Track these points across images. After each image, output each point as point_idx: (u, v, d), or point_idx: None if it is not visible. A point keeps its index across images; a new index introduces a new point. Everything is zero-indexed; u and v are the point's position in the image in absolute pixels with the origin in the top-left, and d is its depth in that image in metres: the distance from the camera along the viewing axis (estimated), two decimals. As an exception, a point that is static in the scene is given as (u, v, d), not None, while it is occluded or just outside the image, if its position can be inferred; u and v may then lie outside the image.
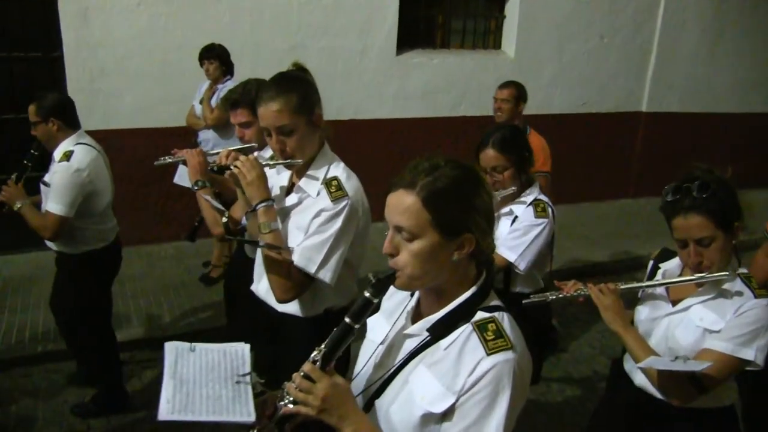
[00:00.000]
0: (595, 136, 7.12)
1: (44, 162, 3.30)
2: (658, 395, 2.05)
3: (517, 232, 2.75)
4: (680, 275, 2.08)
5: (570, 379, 4.11)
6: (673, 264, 2.14)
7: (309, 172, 2.18)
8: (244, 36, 5.48)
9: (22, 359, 3.97)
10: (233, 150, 2.26)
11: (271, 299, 2.22)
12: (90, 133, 3.37)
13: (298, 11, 5.61)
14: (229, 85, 4.59)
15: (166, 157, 2.76)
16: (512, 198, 2.81)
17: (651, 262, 2.30)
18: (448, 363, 1.30)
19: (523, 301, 2.30)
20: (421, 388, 1.33)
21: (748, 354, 1.86)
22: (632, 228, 6.60)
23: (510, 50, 6.62)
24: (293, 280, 2.10)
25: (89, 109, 4.91)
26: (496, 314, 1.34)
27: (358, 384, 1.50)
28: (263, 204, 2.11)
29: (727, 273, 1.92)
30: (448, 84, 6.35)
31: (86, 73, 5.11)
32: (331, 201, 2.08)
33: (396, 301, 1.54)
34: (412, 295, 1.49)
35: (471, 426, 1.26)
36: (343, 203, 2.08)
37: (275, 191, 2.27)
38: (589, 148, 7.06)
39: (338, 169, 2.17)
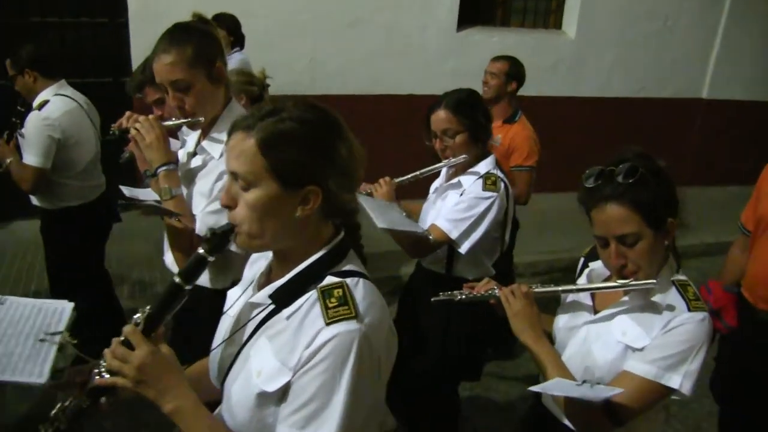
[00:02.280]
0: (652, 122, 7.00)
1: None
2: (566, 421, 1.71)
3: (461, 205, 2.43)
4: (609, 278, 1.72)
5: (518, 378, 3.78)
6: (601, 264, 1.75)
7: (212, 134, 2.01)
8: (303, 9, 5.54)
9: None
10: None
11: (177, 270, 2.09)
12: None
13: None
14: (237, 56, 4.49)
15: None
16: (464, 169, 2.53)
17: (582, 260, 1.96)
18: (288, 334, 1.15)
19: (432, 299, 1.97)
20: (257, 364, 1.18)
21: (674, 380, 1.52)
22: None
23: (571, 30, 6.53)
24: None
25: (152, 74, 5.07)
26: (348, 279, 1.17)
27: (212, 364, 1.35)
28: (164, 168, 1.94)
29: (654, 282, 1.57)
30: (507, 62, 6.31)
31: (149, 40, 5.19)
32: None
33: (256, 269, 1.39)
34: None
35: (307, 405, 1.10)
36: None
37: (182, 156, 2.12)
38: (645, 134, 6.95)
39: None
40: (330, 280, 1.18)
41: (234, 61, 4.33)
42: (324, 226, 1.23)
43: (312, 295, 1.16)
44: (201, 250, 1.17)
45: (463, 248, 2.42)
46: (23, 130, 3.11)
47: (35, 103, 3.16)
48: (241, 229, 1.17)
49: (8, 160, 3.11)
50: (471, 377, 2.94)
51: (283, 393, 1.14)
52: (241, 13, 5.33)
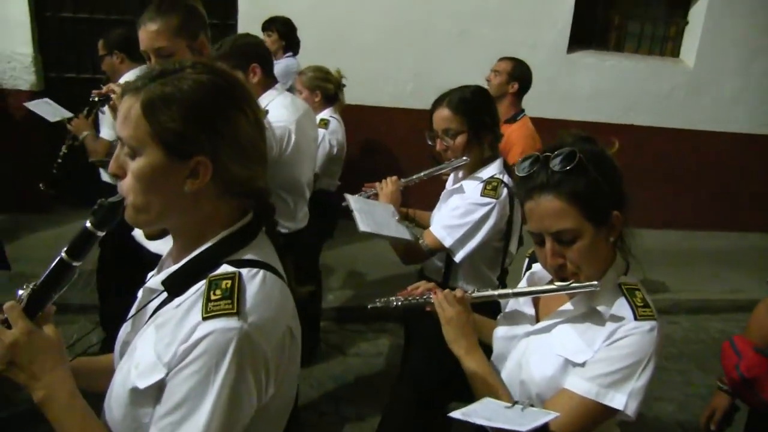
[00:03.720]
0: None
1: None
2: None
3: (457, 211, 2.26)
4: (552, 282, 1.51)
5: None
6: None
7: None
8: (413, 17, 5.44)
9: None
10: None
11: (146, 241, 2.04)
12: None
13: (473, -3, 5.49)
14: (285, 61, 4.48)
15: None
16: (469, 172, 2.35)
17: (526, 260, 1.79)
18: (171, 326, 1.02)
19: (368, 306, 1.83)
20: (138, 356, 1.05)
21: (617, 400, 1.34)
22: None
23: (689, 59, 6.12)
24: None
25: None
26: (245, 270, 1.03)
27: (115, 352, 1.23)
28: None
29: (595, 284, 1.37)
30: (619, 89, 5.98)
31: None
32: None
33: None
34: None
35: (178, 409, 0.97)
36: None
37: None
38: (766, 172, 6.41)
39: None
40: (224, 269, 1.04)
41: (281, 65, 4.30)
42: (224, 206, 1.10)
43: (203, 284, 1.03)
44: (88, 224, 1.06)
45: (458, 257, 2.26)
46: (104, 108, 3.25)
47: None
48: (127, 201, 1.06)
49: (85, 134, 3.29)
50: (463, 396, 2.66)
51: (158, 392, 1.00)
52: (346, 24, 5.33)
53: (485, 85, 3.37)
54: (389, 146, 5.64)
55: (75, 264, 1.07)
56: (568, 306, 1.46)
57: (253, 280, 1.03)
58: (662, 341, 1.38)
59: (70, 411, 1.06)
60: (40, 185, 3.46)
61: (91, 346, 2.90)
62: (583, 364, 1.38)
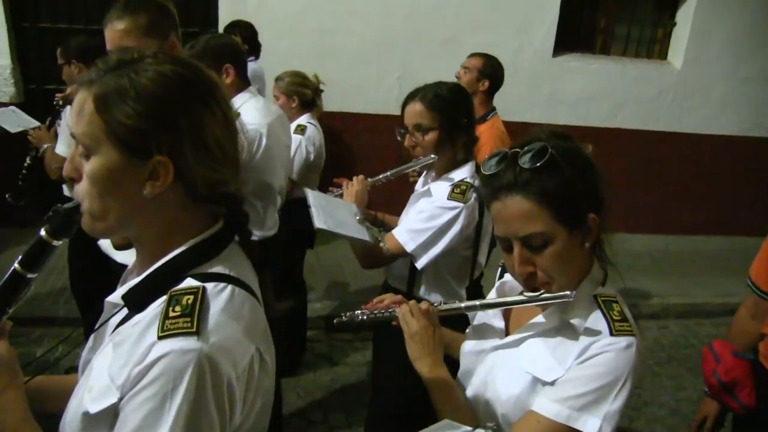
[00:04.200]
0: (766, 162, 6.43)
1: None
2: None
3: (421, 215, 2.14)
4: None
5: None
6: None
7: None
8: (396, 24, 5.41)
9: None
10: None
11: (113, 251, 1.97)
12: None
13: (455, 3, 5.46)
14: (250, 65, 4.39)
15: None
16: (439, 174, 2.23)
17: (499, 269, 1.66)
18: (127, 345, 0.92)
19: (335, 320, 1.72)
20: (93, 378, 0.95)
21: (590, 425, 1.20)
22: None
23: (677, 61, 6.09)
24: None
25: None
26: (210, 284, 0.94)
27: (79, 370, 1.13)
28: None
29: (568, 294, 1.24)
30: (605, 92, 5.95)
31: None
32: None
33: None
34: None
35: None
36: None
37: None
38: (758, 175, 6.38)
39: None
40: (188, 283, 0.95)
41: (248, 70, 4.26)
42: (190, 213, 1.00)
43: (164, 300, 0.93)
44: (42, 233, 0.97)
45: (420, 263, 2.14)
46: (61, 119, 3.21)
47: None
48: (83, 207, 0.96)
49: (45, 146, 3.20)
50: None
51: (112, 418, 0.90)
52: (333, 29, 5.29)
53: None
54: (373, 153, 5.59)
55: (30, 276, 0.98)
56: (539, 318, 1.34)
57: (219, 296, 0.93)
58: (642, 359, 1.25)
59: None
60: (6, 196, 3.39)
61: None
62: (552, 383, 1.25)
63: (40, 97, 5.06)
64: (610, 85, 5.96)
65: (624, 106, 6.04)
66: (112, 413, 0.90)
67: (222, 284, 0.95)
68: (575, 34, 5.97)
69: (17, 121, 3.53)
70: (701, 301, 4.97)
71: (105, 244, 2.09)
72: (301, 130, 3.42)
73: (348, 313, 1.68)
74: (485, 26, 5.53)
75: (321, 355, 3.95)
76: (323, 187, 2.67)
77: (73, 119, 0.94)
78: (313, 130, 3.51)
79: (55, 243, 0.97)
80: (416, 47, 5.41)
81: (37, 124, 3.42)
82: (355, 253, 2.26)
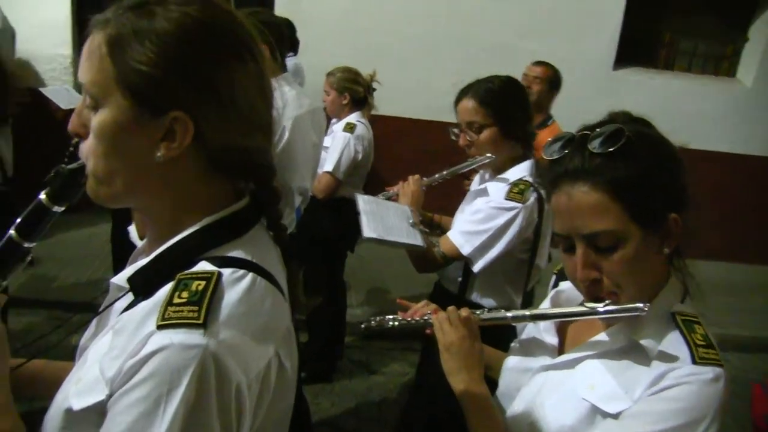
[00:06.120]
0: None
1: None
2: None
3: (477, 215, 2.03)
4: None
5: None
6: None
7: None
8: (453, 27, 5.31)
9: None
10: None
11: (138, 242, 1.86)
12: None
13: (508, 7, 5.34)
14: (290, 60, 4.25)
15: None
16: (495, 173, 2.13)
17: (553, 277, 1.45)
18: (126, 334, 0.77)
19: (362, 325, 1.56)
20: (84, 369, 0.82)
21: None
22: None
23: (747, 79, 5.82)
24: None
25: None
26: (227, 270, 0.79)
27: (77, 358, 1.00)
28: None
29: (641, 306, 1.04)
30: (668, 109, 5.65)
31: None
32: None
33: None
34: None
35: None
36: None
37: None
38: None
39: None
40: (201, 267, 0.80)
41: (289, 64, 4.20)
42: (210, 185, 0.85)
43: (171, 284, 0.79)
44: (42, 196, 0.85)
45: (477, 267, 2.03)
46: None
47: None
48: (88, 168, 0.83)
49: None
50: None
51: (99, 418, 0.75)
52: (386, 32, 5.20)
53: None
54: (422, 160, 5.48)
55: (27, 245, 0.87)
56: (602, 336, 1.13)
57: (236, 285, 0.78)
58: (726, 397, 1.03)
59: None
60: (52, 172, 3.38)
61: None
62: (616, 416, 1.05)
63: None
64: (672, 101, 5.71)
65: (687, 125, 5.73)
66: (97, 413, 0.76)
67: (241, 271, 0.80)
68: (637, 47, 5.77)
69: (70, 99, 3.54)
70: (765, 335, 4.66)
71: (133, 233, 2.00)
72: (350, 128, 3.33)
73: (378, 318, 1.51)
74: (544, 34, 5.39)
75: (357, 363, 3.84)
76: (369, 190, 2.56)
77: (82, 66, 0.81)
78: (363, 129, 3.41)
79: (56, 209, 0.86)
80: (470, 52, 5.30)
81: None
82: (409, 257, 2.17)
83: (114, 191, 0.83)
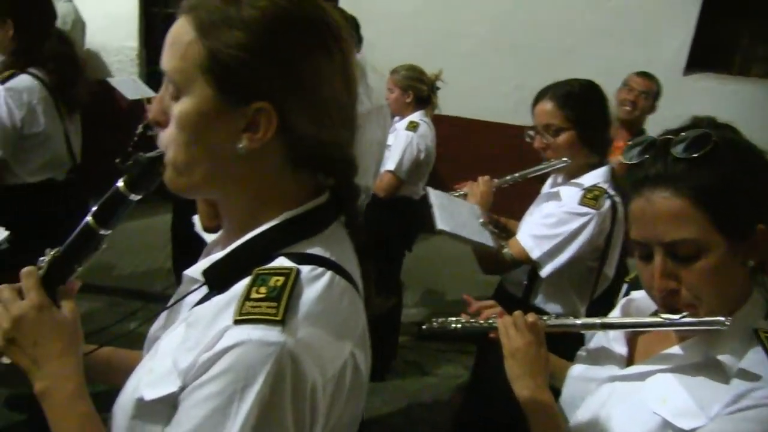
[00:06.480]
0: None
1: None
2: None
3: (549, 219, 2.01)
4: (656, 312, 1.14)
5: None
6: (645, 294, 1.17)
7: None
8: (518, 28, 5.23)
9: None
10: None
11: (204, 234, 1.83)
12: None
13: (575, 10, 5.22)
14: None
15: None
16: (569, 177, 2.09)
17: (625, 286, 1.42)
18: (200, 327, 0.77)
19: (423, 326, 1.54)
20: (157, 360, 0.82)
21: None
22: None
23: (829, 87, 5.54)
24: None
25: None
26: (307, 267, 0.77)
27: (145, 347, 1.00)
28: None
29: (721, 319, 0.99)
30: (742, 117, 5.30)
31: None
32: None
33: None
34: None
35: None
36: None
37: None
38: None
39: None
40: (279, 262, 0.78)
41: None
42: (291, 179, 0.83)
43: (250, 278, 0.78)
44: (120, 184, 0.84)
45: (545, 272, 2.00)
46: None
47: None
48: (167, 157, 0.82)
49: None
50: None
51: (170, 410, 0.76)
52: (450, 33, 5.17)
53: (626, 107, 3.47)
54: (484, 162, 5.42)
55: (102, 232, 0.87)
56: (676, 349, 1.08)
57: (315, 283, 0.77)
58: None
59: (67, 414, 0.86)
60: (116, 161, 3.43)
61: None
62: None
63: (159, 77, 5.38)
64: (748, 109, 5.46)
65: (763, 135, 5.52)
66: (169, 405, 0.76)
67: (320, 269, 0.79)
68: (712, 52, 5.56)
69: (135, 89, 3.63)
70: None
71: (197, 224, 2.02)
72: (413, 126, 3.32)
73: (440, 320, 1.49)
74: (612, 36, 5.27)
75: (411, 363, 3.83)
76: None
77: (166, 53, 0.81)
78: (426, 128, 3.39)
79: (133, 197, 0.85)
80: (535, 54, 5.21)
81: (153, 94, 3.50)
82: (476, 258, 2.16)
83: (193, 182, 0.82)
